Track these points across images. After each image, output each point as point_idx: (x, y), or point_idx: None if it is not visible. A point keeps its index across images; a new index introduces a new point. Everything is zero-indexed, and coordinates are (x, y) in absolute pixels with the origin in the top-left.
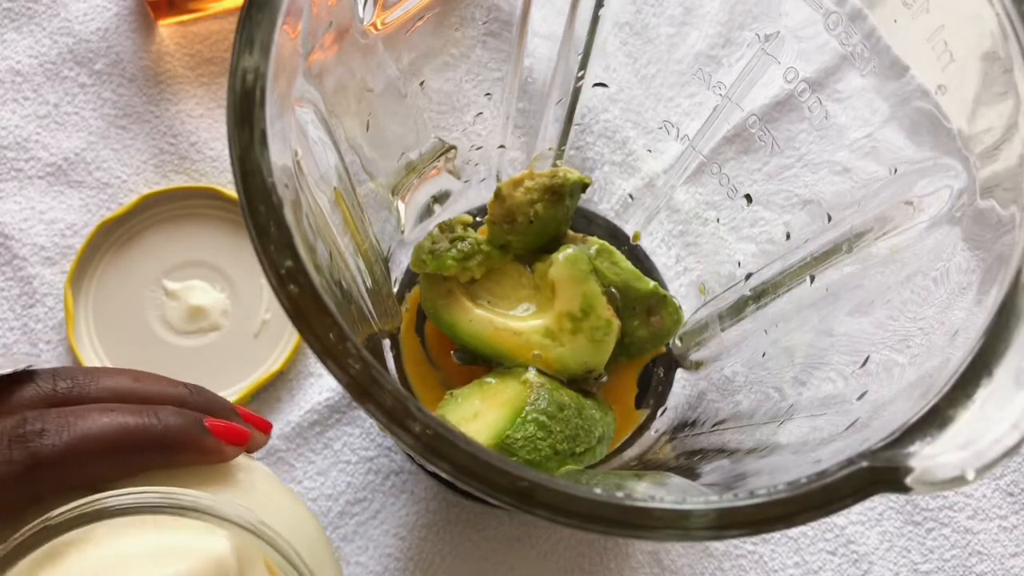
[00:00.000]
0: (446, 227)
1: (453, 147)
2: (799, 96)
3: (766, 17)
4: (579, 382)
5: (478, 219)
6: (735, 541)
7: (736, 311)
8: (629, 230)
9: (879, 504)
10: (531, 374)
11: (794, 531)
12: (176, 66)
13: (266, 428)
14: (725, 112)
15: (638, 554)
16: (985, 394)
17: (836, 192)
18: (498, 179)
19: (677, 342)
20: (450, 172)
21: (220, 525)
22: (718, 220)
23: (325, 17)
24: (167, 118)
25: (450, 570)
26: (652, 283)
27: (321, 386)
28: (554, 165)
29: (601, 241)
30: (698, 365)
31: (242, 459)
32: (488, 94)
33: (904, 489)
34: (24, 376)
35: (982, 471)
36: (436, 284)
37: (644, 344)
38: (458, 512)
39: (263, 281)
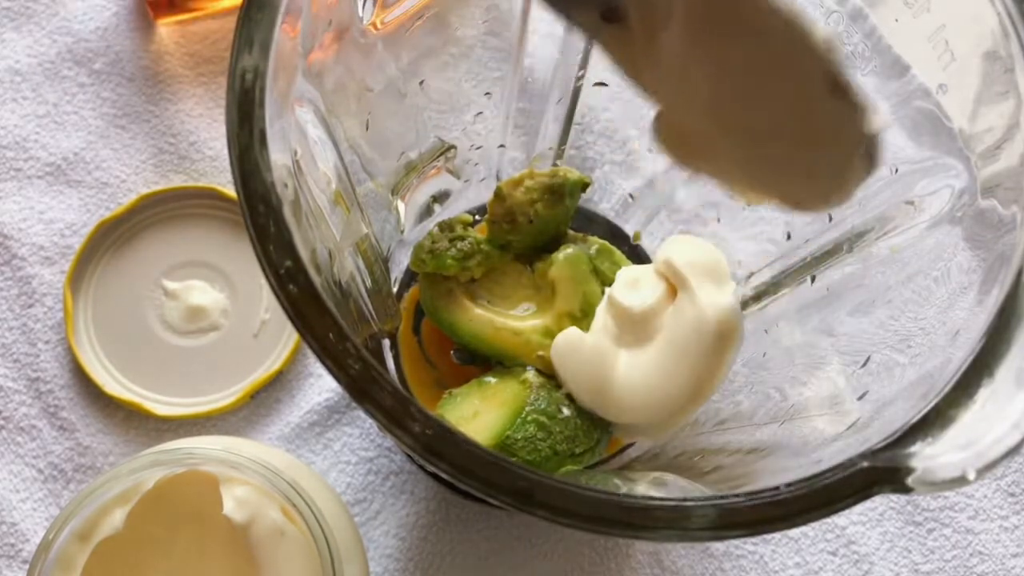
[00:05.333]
0: (446, 226)
1: (453, 147)
2: None
3: None
4: None
5: (478, 219)
6: (735, 541)
7: None
8: (630, 230)
9: (880, 504)
10: (530, 374)
11: (795, 531)
12: (175, 65)
13: None
14: None
15: (638, 554)
16: (986, 394)
17: None
18: (498, 179)
19: None
20: (450, 172)
21: (242, 472)
22: (719, 220)
23: (324, 16)
24: (166, 118)
25: (450, 570)
26: None
27: (321, 386)
28: (554, 165)
29: (602, 241)
30: None
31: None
32: (488, 94)
33: (905, 489)
34: None
35: (983, 471)
36: (436, 284)
37: None
38: (458, 512)
39: (263, 281)
